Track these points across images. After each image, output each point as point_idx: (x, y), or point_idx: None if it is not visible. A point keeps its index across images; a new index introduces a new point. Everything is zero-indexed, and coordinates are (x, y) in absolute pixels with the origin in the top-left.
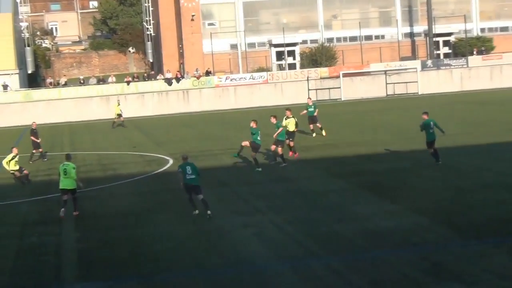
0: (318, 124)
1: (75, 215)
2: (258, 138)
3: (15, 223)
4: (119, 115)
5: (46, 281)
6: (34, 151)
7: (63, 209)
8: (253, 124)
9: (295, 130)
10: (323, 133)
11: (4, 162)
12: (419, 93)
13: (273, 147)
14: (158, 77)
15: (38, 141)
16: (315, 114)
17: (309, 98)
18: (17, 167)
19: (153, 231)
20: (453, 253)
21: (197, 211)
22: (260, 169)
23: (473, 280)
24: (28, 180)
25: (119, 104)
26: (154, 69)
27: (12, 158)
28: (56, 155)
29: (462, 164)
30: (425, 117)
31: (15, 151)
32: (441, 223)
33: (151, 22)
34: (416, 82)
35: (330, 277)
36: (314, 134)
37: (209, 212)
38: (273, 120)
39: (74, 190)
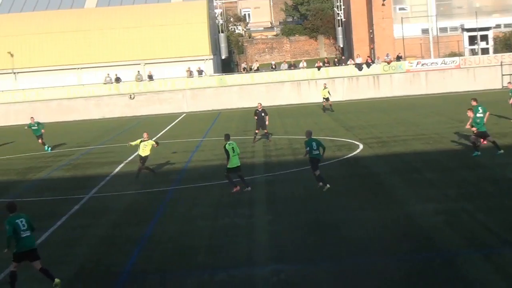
0: None
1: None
2: (477, 121)
3: (209, 205)
4: (327, 99)
5: (239, 261)
6: (256, 131)
7: (237, 187)
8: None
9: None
10: None
11: (132, 143)
12: None
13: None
14: (348, 62)
15: (267, 123)
16: None
17: (509, 82)
18: (146, 153)
19: (343, 216)
20: None
21: (328, 185)
22: (501, 151)
23: None
24: (151, 170)
25: (325, 88)
26: (345, 54)
27: (141, 142)
28: (246, 139)
29: None
30: None
31: (145, 135)
32: None
33: (342, 7)
34: None
35: None
36: None
37: (328, 185)
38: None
39: (240, 167)
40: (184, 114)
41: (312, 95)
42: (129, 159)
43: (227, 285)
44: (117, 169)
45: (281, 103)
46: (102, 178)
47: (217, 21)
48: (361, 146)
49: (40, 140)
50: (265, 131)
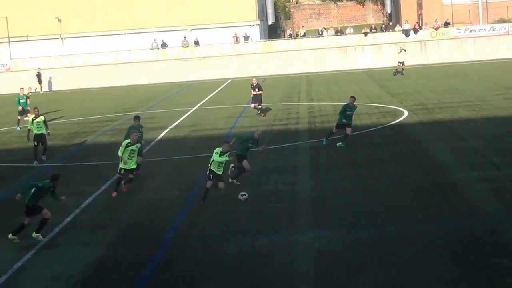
0: None
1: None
2: None
3: (253, 171)
4: (402, 62)
5: (281, 227)
6: (259, 106)
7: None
8: None
9: None
10: None
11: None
12: None
13: None
14: (396, 29)
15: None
16: None
17: None
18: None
19: (386, 182)
20: None
21: None
22: None
23: None
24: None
25: (400, 51)
26: (392, 20)
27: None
28: (291, 105)
29: None
30: None
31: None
32: None
33: None
34: None
35: None
36: None
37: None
38: None
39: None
40: (230, 80)
41: (359, 61)
42: (175, 124)
43: (268, 251)
44: (162, 135)
45: (327, 70)
46: (147, 144)
47: None
48: (406, 113)
49: (19, 116)
50: (260, 106)
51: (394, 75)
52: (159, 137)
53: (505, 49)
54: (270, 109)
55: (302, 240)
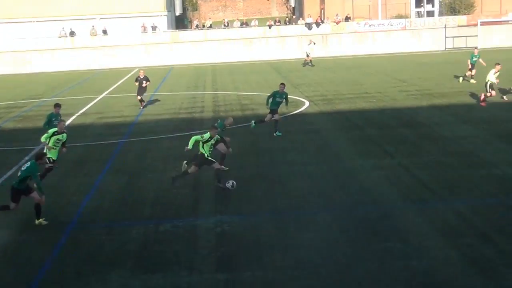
0: (473, 72)
1: None
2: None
3: (157, 158)
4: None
5: (184, 212)
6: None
7: None
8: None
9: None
10: (473, 81)
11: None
12: None
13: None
14: (299, 22)
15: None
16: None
17: (476, 48)
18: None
19: (287, 170)
20: None
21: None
22: None
23: None
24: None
25: (309, 43)
26: (296, 13)
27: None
28: (196, 94)
29: None
30: None
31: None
32: None
33: None
34: None
35: (454, 220)
36: (460, 80)
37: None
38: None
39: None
40: (137, 69)
41: (263, 53)
42: (81, 111)
43: (171, 235)
44: (69, 121)
45: (233, 60)
46: None
47: None
48: (307, 103)
49: None
50: (139, 97)
51: (303, 65)
52: (65, 124)
53: (401, 43)
54: (158, 100)
55: (204, 225)
